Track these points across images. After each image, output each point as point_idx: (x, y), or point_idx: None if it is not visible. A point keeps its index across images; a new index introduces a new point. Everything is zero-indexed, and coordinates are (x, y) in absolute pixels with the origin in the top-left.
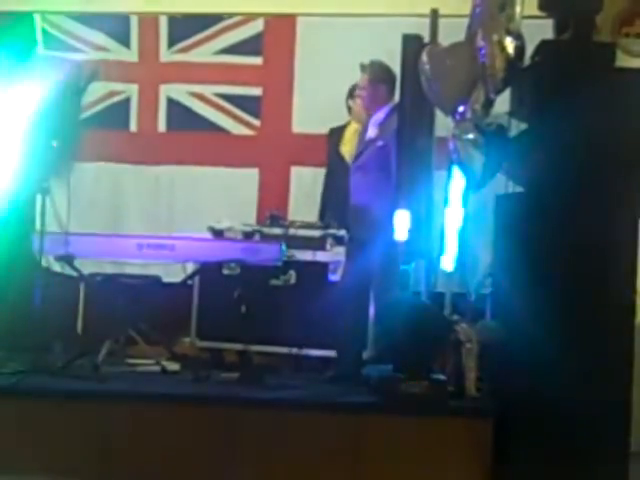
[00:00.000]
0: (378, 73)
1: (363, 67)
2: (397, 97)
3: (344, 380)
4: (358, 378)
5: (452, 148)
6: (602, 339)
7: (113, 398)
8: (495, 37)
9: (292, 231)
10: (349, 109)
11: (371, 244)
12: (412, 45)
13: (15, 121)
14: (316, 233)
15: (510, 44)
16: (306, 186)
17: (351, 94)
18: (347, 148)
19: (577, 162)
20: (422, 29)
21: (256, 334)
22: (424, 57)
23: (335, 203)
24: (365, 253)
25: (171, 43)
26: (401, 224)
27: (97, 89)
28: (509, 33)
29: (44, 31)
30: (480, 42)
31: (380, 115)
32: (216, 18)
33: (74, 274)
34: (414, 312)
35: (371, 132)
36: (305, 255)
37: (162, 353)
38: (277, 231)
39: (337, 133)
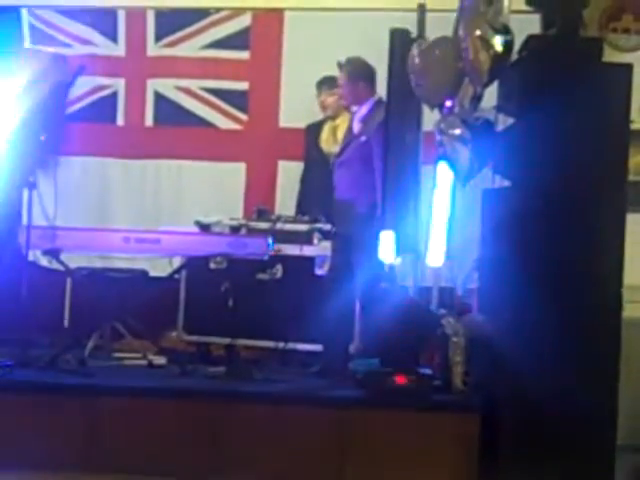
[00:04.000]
0: (355, 69)
1: (340, 65)
2: (380, 91)
3: (331, 374)
4: (344, 372)
5: (437, 141)
6: (589, 333)
7: (100, 392)
8: (477, 32)
9: (279, 225)
10: (322, 105)
11: (356, 238)
12: (400, 39)
13: (1, 115)
14: (303, 227)
15: (495, 39)
16: (293, 180)
17: (319, 88)
18: (326, 143)
19: (564, 157)
20: (410, 24)
21: (243, 328)
22: (414, 51)
23: (317, 198)
24: (350, 247)
25: (158, 37)
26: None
27: (84, 83)
28: (494, 28)
29: (31, 25)
30: (462, 37)
31: (363, 110)
32: (203, 12)
33: (61, 268)
34: (401, 306)
35: (355, 127)
36: (292, 249)
37: (149, 347)
38: (264, 225)
39: (314, 129)
